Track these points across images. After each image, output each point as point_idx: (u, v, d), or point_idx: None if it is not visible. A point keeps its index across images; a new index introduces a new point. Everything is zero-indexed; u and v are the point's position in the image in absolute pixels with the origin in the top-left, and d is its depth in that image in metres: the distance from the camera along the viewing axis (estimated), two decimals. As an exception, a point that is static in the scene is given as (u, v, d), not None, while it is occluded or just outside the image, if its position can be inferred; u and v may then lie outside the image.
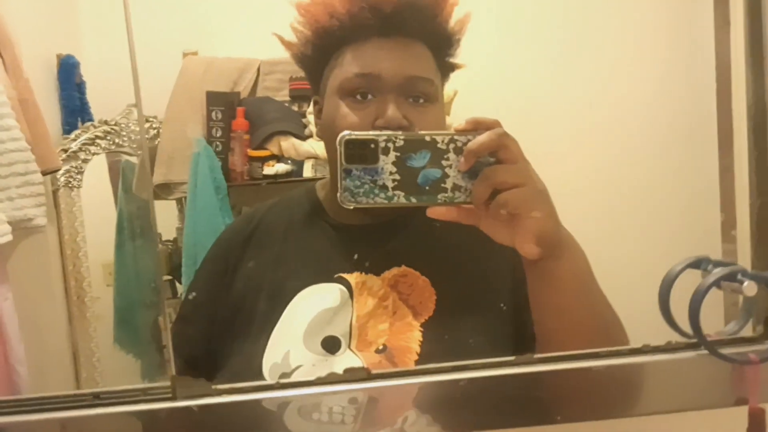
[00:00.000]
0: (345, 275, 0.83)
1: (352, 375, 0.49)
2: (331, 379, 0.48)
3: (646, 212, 2.13)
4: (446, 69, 0.87)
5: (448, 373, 0.48)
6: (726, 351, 0.48)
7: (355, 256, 0.84)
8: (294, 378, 0.77)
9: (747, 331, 0.51)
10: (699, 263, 0.50)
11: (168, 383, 0.48)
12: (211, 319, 0.87)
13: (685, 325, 0.51)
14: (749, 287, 0.45)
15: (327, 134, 0.85)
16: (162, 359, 1.89)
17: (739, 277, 0.46)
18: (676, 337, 0.50)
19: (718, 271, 0.47)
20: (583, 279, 0.70)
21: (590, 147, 2.17)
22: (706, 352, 0.48)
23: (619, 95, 2.18)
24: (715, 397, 0.49)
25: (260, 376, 0.78)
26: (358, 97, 0.81)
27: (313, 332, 0.80)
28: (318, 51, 0.86)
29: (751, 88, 0.49)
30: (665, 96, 2.14)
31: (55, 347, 1.79)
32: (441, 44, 0.85)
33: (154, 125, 2.02)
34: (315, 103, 0.90)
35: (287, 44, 0.88)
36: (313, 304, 0.82)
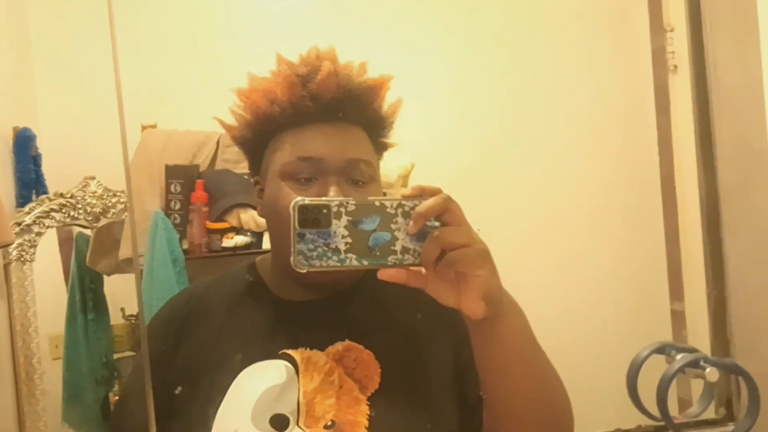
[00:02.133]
0: (290, 351, 0.84)
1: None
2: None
3: (602, 298, 2.20)
4: (381, 148, 0.93)
5: None
6: (691, 433, 0.51)
7: (299, 332, 0.86)
8: None
9: (710, 413, 0.54)
10: (663, 349, 0.54)
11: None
12: (155, 396, 0.86)
13: (651, 407, 0.54)
14: (711, 373, 0.49)
15: (269, 214, 0.87)
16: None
17: (702, 363, 0.49)
18: (645, 421, 0.53)
19: (681, 358, 0.50)
20: (524, 335, 0.74)
21: (546, 223, 2.26)
22: (673, 434, 0.51)
23: (569, 172, 2.29)
24: (683, 478, 0.52)
25: None
26: (301, 179, 0.84)
27: (260, 410, 0.80)
28: (258, 135, 0.89)
29: (702, 182, 0.54)
30: (614, 177, 2.25)
31: (1, 426, 1.71)
32: (377, 127, 0.91)
33: (121, 200, 2.01)
34: (256, 183, 0.93)
35: (227, 127, 0.92)
36: (259, 382, 0.82)
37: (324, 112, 0.85)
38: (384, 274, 0.66)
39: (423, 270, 0.67)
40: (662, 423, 0.52)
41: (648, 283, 1.94)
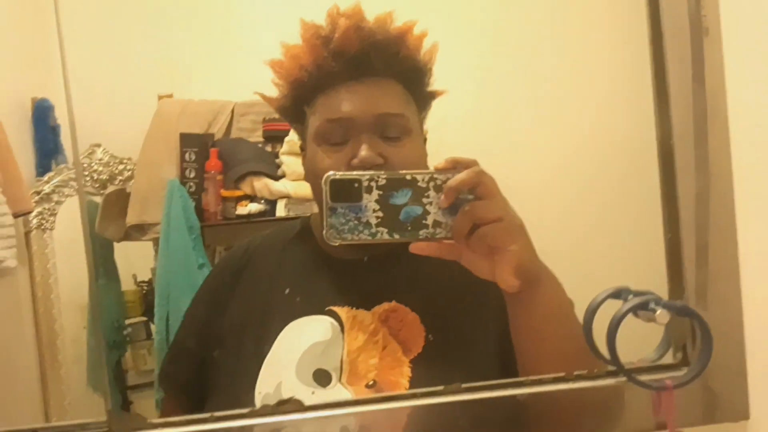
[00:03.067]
0: (336, 308, 0.85)
1: (286, 407, 0.50)
2: (263, 411, 0.49)
3: (611, 242, 2.16)
4: (424, 99, 0.91)
5: (432, 397, 0.49)
6: (645, 378, 0.49)
7: (346, 290, 0.86)
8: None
9: (667, 359, 0.53)
10: (619, 293, 0.52)
11: (104, 418, 0.49)
12: (205, 345, 0.90)
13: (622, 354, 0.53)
14: (661, 315, 0.47)
15: (310, 178, 0.88)
16: (125, 400, 1.88)
17: (652, 306, 0.48)
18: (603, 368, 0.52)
19: (630, 300, 0.49)
20: (560, 308, 0.73)
21: (564, 183, 2.21)
22: (625, 378, 0.50)
23: (587, 135, 2.23)
24: (636, 422, 0.51)
25: (253, 405, 0.78)
26: (333, 141, 0.84)
27: (305, 364, 0.81)
28: (296, 102, 0.89)
29: (658, 123, 0.52)
30: (633, 124, 2.18)
31: (25, 391, 1.77)
32: (411, 77, 0.88)
33: (128, 167, 2.04)
34: (302, 149, 0.93)
35: (269, 100, 0.92)
36: (305, 336, 0.83)
37: (350, 69, 0.84)
38: (416, 248, 0.67)
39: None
40: (614, 368, 0.50)
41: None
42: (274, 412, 0.50)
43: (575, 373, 0.51)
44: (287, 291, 0.89)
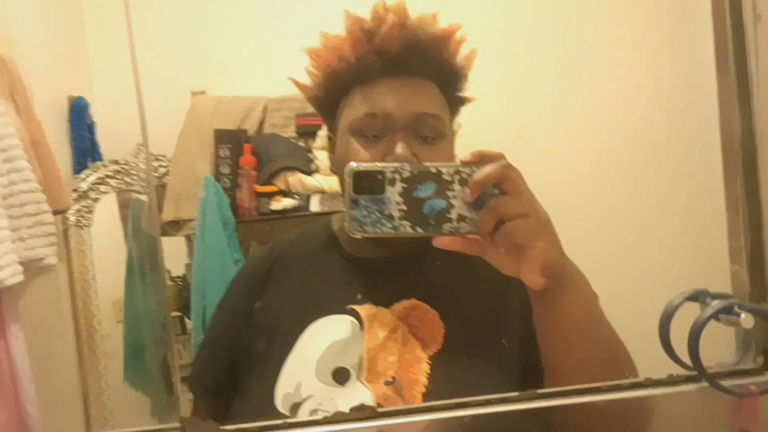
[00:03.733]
0: (356, 307, 0.84)
1: (359, 414, 0.50)
2: (337, 418, 0.49)
3: (649, 242, 2.13)
4: (455, 104, 0.90)
5: (453, 410, 0.48)
6: (726, 383, 0.48)
7: (366, 289, 0.86)
8: (303, 408, 0.79)
9: (747, 363, 0.51)
10: (697, 296, 0.51)
11: (177, 425, 0.48)
12: (233, 346, 0.90)
13: (686, 357, 0.52)
14: (746, 320, 0.46)
15: (339, 170, 0.87)
16: (171, 397, 1.89)
17: (736, 309, 0.46)
18: (678, 370, 0.51)
19: (715, 304, 0.48)
20: (589, 310, 0.71)
21: (593, 176, 2.18)
22: (706, 384, 0.49)
23: (624, 123, 2.20)
24: (716, 429, 0.50)
25: (273, 405, 0.80)
26: (369, 135, 0.83)
27: (324, 363, 0.81)
28: (330, 93, 0.89)
29: (738, 121, 0.50)
30: (670, 123, 2.15)
31: (65, 386, 1.79)
32: (448, 80, 0.88)
33: (163, 164, 2.05)
34: (329, 139, 0.93)
35: (302, 87, 0.92)
36: (326, 336, 0.83)
37: (391, 66, 0.84)
38: (439, 242, 0.65)
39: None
40: (695, 373, 0.49)
41: (697, 224, 1.86)
42: (348, 419, 0.49)
43: (652, 378, 0.50)
44: (310, 292, 0.89)
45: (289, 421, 0.49)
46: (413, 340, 0.82)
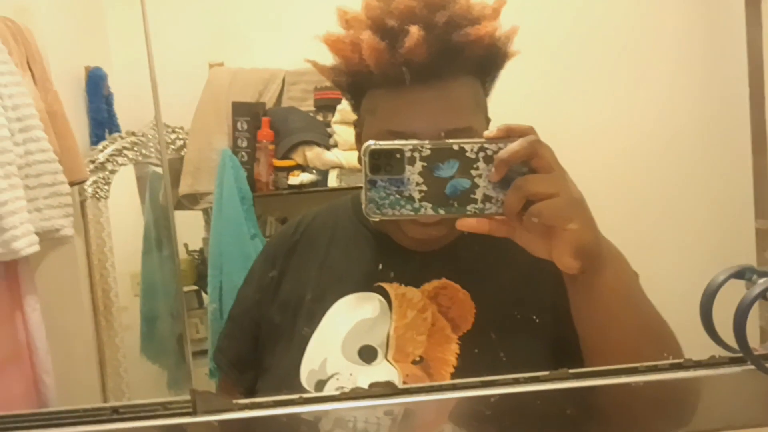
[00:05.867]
0: (385, 285, 0.82)
1: (379, 390, 0.47)
2: (355, 394, 0.46)
3: (680, 221, 2.09)
4: (494, 78, 0.81)
5: (479, 389, 0.46)
6: (772, 366, 0.45)
7: (395, 267, 0.83)
8: (329, 385, 0.77)
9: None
10: (743, 273, 0.47)
11: (188, 398, 0.46)
12: (257, 322, 0.88)
13: (728, 338, 0.48)
14: (798, 299, 0.43)
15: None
16: (187, 370, 1.89)
17: (788, 287, 0.43)
18: (719, 351, 0.48)
19: (764, 281, 0.44)
20: (628, 292, 0.68)
21: (623, 154, 2.13)
22: (752, 367, 0.45)
23: (652, 102, 2.15)
24: (761, 413, 0.47)
25: (298, 381, 0.78)
26: None
27: (351, 341, 0.79)
28: (352, 85, 0.81)
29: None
30: (698, 102, 2.10)
31: (81, 357, 1.79)
32: (487, 68, 0.79)
33: (180, 136, 2.03)
34: (355, 126, 0.87)
35: (321, 69, 0.83)
36: (353, 313, 0.81)
37: (419, 74, 0.73)
38: (463, 224, 0.60)
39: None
40: (739, 354, 0.46)
41: (731, 202, 1.81)
42: (367, 395, 0.47)
43: (693, 360, 0.47)
44: (337, 268, 0.86)
45: (305, 396, 0.47)
46: (443, 320, 0.79)
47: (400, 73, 0.73)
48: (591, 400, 0.47)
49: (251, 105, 2.01)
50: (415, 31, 0.71)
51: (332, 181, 1.96)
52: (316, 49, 0.82)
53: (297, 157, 1.97)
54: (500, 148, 0.59)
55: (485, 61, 0.78)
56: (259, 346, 0.87)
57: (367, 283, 0.82)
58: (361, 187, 0.62)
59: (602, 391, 0.46)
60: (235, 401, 0.47)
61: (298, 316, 0.84)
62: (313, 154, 1.95)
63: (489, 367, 0.76)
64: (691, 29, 2.14)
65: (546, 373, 0.46)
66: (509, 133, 0.60)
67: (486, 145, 0.60)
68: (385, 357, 0.78)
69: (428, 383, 0.47)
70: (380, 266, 0.84)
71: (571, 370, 0.46)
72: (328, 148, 1.98)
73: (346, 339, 0.80)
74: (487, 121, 0.82)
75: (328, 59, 0.82)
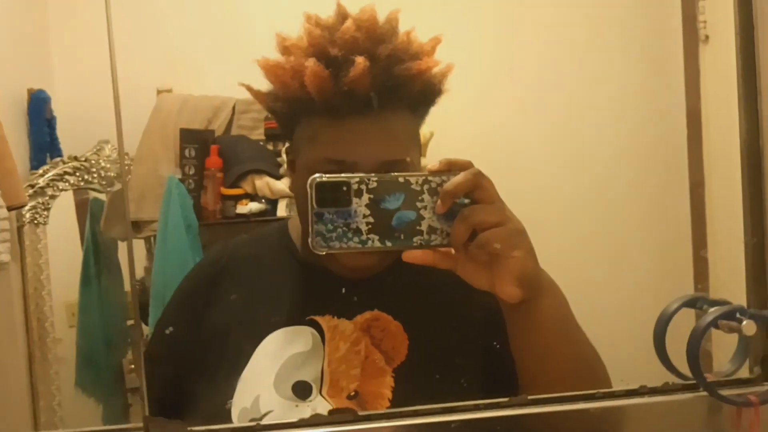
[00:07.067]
0: (317, 318, 0.81)
1: (339, 417, 0.46)
2: (315, 420, 0.46)
3: (626, 253, 2.14)
4: (426, 113, 0.84)
5: (440, 415, 0.46)
6: (724, 392, 0.46)
7: (327, 300, 0.82)
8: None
9: (743, 372, 0.50)
10: (694, 302, 0.49)
11: (141, 424, 0.45)
12: (179, 358, 0.85)
13: (680, 365, 0.50)
14: (748, 326, 0.44)
15: (297, 198, 0.82)
16: (125, 403, 1.82)
17: (738, 315, 0.45)
18: (672, 379, 0.49)
19: (715, 310, 0.46)
20: (563, 319, 0.69)
21: (567, 189, 2.19)
22: (704, 393, 0.47)
23: (594, 138, 2.22)
24: (713, 440, 0.48)
25: (228, 421, 0.75)
26: None
27: (283, 377, 0.78)
28: (288, 112, 0.81)
29: (744, 125, 0.49)
30: (639, 140, 2.18)
31: (14, 390, 1.71)
32: (422, 103, 0.82)
33: (126, 162, 1.99)
34: (287, 153, 0.87)
35: (256, 94, 0.83)
36: (284, 348, 0.79)
37: (359, 105, 0.75)
38: (409, 256, 0.62)
39: (453, 250, 0.62)
40: (692, 381, 0.47)
41: (674, 234, 1.88)
42: (325, 422, 0.46)
43: (647, 386, 0.48)
44: (266, 301, 0.84)
45: (263, 423, 0.46)
46: (376, 353, 0.79)
47: (342, 102, 0.75)
48: (549, 426, 0.47)
49: (200, 132, 1.99)
50: (361, 61, 0.73)
51: (281, 210, 1.94)
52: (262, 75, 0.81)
53: (246, 186, 1.95)
54: (444, 181, 0.61)
55: (421, 96, 0.80)
56: (182, 382, 0.84)
57: (298, 316, 0.81)
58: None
59: (560, 417, 0.47)
60: (189, 428, 0.46)
61: (225, 350, 0.81)
62: (263, 183, 1.94)
63: (424, 399, 0.76)
64: (630, 63, 2.23)
65: (506, 399, 0.46)
66: (451, 167, 0.62)
67: (430, 178, 0.61)
68: (320, 392, 0.77)
69: (389, 410, 0.47)
70: (311, 298, 0.83)
71: (530, 397, 0.47)
72: (277, 177, 1.96)
73: (279, 374, 0.78)
74: (420, 154, 0.84)
75: (264, 85, 0.81)
